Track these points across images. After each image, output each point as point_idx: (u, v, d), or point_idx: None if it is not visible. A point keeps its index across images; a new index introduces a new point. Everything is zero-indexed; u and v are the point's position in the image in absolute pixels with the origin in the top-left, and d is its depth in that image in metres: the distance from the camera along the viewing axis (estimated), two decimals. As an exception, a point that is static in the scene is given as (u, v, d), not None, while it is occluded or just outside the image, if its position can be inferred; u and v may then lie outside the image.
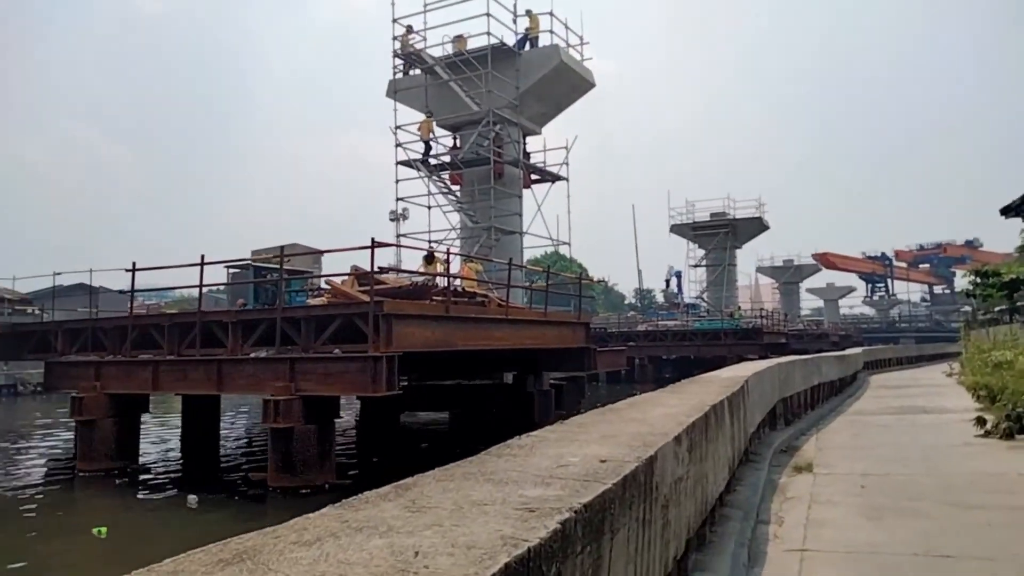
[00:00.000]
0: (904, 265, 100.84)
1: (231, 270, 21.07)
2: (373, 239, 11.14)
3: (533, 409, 18.70)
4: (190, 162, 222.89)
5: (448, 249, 17.22)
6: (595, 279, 40.95)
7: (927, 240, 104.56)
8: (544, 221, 25.04)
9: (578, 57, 25.69)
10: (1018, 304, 23.62)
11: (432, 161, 24.19)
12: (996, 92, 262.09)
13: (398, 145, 24.19)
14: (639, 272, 75.71)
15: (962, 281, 65.83)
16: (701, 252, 53.61)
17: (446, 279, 14.59)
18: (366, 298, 11.92)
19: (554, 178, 26.33)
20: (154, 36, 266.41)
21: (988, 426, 10.83)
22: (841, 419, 14.12)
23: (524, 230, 24.63)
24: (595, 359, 18.44)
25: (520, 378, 19.18)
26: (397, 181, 24.32)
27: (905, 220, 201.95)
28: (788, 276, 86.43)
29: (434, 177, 23.86)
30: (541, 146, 27.06)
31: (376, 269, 11.52)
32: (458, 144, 24.80)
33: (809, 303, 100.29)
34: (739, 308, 47.94)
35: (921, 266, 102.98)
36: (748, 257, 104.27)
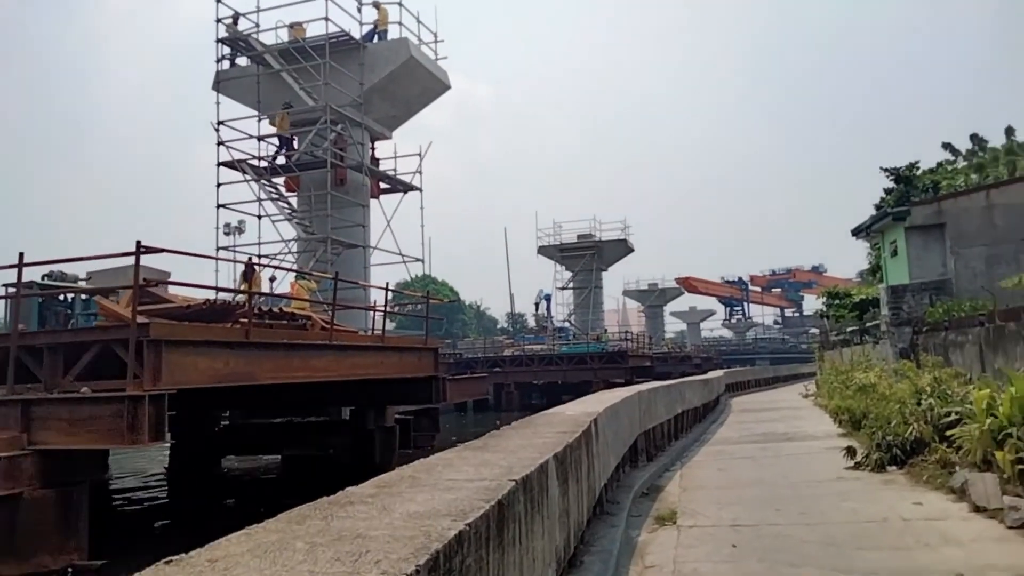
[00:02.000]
0: (759, 289, 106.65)
1: (8, 289, 17.42)
2: (139, 243, 8.64)
3: (374, 449, 16.43)
4: (29, 172, 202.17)
5: (257, 262, 14.59)
6: (445, 300, 38.98)
7: (778, 266, 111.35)
8: (393, 236, 22.87)
9: (432, 56, 23.86)
10: (867, 325, 24.05)
11: (262, 164, 21.39)
12: (838, 126, 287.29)
13: (220, 144, 21.15)
14: (511, 296, 75.02)
15: (815, 303, 69.77)
16: (569, 274, 53.34)
17: (268, 298, 12.21)
18: (142, 319, 9.38)
19: (406, 188, 24.17)
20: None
21: (859, 457, 10.01)
22: (706, 450, 13.25)
23: (373, 244, 22.31)
24: (445, 389, 16.44)
25: (359, 413, 16.84)
26: (218, 185, 21.27)
27: (759, 246, 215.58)
28: (653, 299, 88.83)
29: (263, 182, 21.04)
30: (392, 153, 24.97)
31: (143, 281, 8.97)
32: (295, 145, 22.14)
33: (673, 326, 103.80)
34: (605, 331, 47.78)
35: (774, 290, 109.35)
36: (616, 281, 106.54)
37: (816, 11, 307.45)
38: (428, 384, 16.04)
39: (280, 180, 22.57)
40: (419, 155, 23.75)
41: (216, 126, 21.42)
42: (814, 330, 68.04)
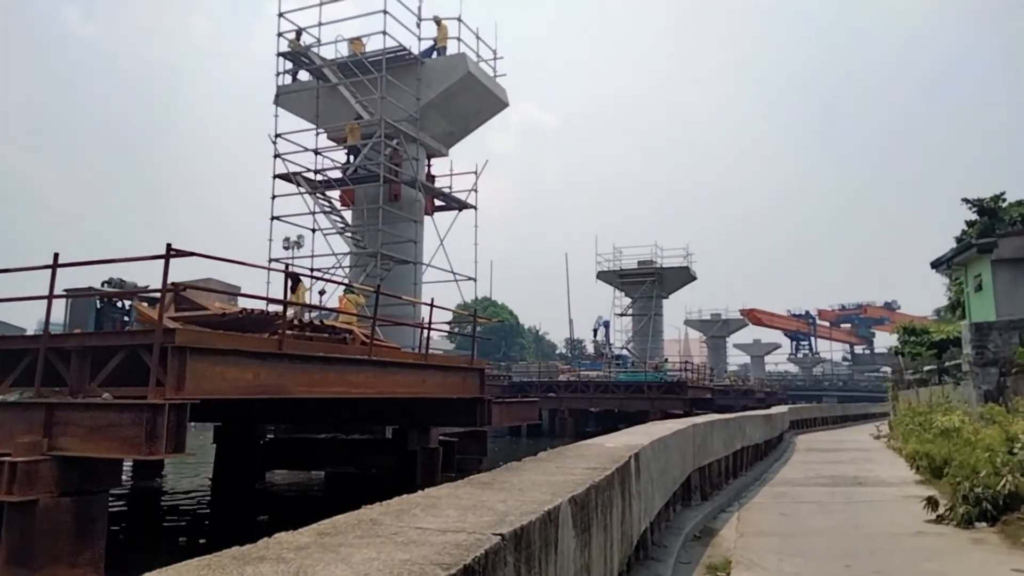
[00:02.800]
0: (827, 324, 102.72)
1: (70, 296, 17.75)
2: (169, 245, 8.34)
3: (416, 470, 15.87)
4: (125, 185, 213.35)
5: (305, 274, 14.32)
6: (493, 320, 38.15)
7: (848, 300, 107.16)
8: (446, 254, 22.54)
9: (490, 72, 23.52)
10: (947, 364, 22.37)
11: (317, 177, 21.43)
12: (913, 155, 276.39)
13: (277, 156, 21.24)
14: (570, 321, 74.82)
15: (888, 339, 66.46)
16: (628, 300, 52.20)
17: (311, 310, 11.90)
18: (175, 325, 9.11)
19: (461, 205, 23.83)
20: (88, 57, 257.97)
21: (941, 509, 8.93)
22: (767, 491, 12.29)
23: (426, 261, 22.01)
24: (491, 412, 15.76)
25: (402, 433, 16.33)
26: (273, 197, 21.32)
27: (827, 280, 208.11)
28: (715, 330, 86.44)
29: (317, 195, 21.03)
30: (448, 171, 24.63)
31: (170, 284, 8.66)
32: (351, 160, 21.98)
33: (736, 358, 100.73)
34: (666, 360, 46.36)
35: (843, 326, 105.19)
36: (676, 310, 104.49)
37: (895, 38, 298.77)
38: (473, 406, 15.42)
39: (335, 194, 22.53)
40: (475, 173, 23.47)
41: (274, 139, 21.56)
42: (886, 368, 64.79)
